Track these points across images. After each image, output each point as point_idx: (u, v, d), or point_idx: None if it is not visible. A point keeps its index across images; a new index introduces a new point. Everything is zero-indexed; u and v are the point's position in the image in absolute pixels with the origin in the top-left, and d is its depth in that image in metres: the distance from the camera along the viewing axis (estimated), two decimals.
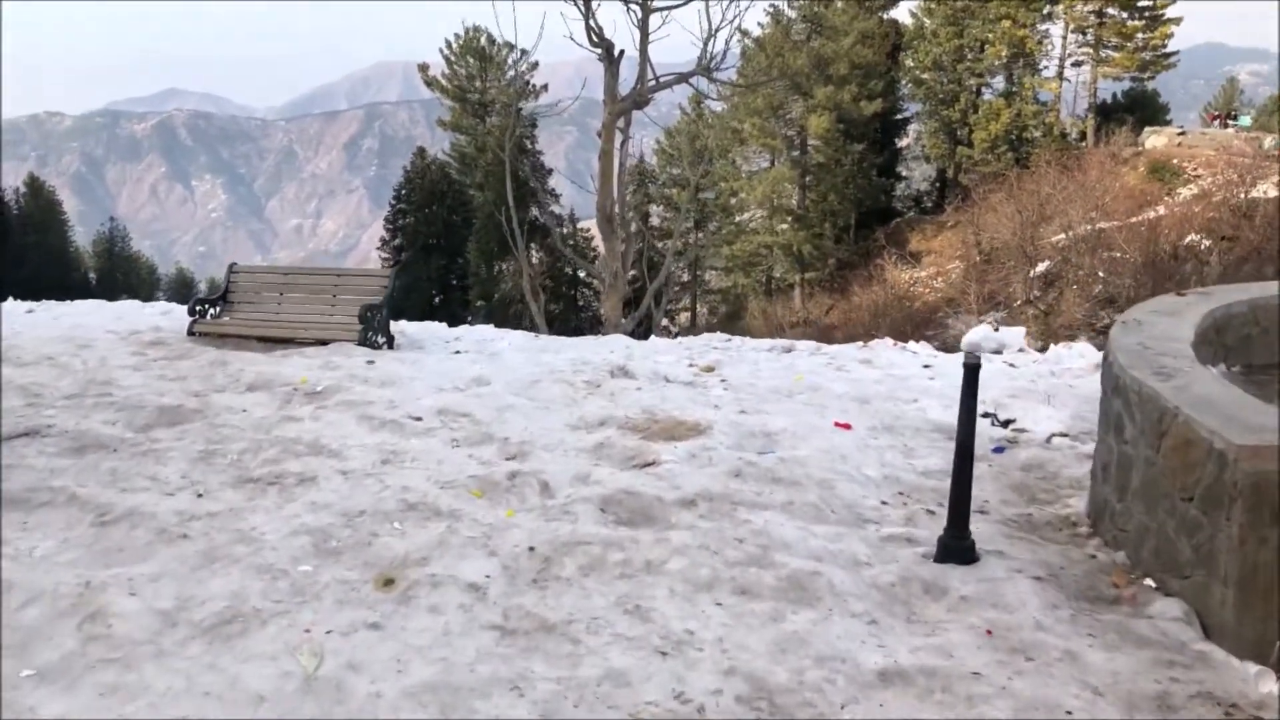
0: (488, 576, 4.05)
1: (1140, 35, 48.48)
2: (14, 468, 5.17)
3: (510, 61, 49.79)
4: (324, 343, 9.43)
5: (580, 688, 3.30)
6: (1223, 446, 3.83)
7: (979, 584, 4.20)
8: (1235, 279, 30.48)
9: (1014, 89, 50.45)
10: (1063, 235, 37.38)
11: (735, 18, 25.79)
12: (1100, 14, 47.90)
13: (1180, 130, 50.77)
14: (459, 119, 50.57)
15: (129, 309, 11.94)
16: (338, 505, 4.79)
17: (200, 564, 4.12)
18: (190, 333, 9.96)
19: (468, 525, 4.57)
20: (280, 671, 3.31)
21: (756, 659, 3.51)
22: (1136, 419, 4.70)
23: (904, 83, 53.08)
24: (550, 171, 51.18)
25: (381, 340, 9.82)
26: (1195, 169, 43.40)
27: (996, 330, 9.95)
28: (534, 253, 43.92)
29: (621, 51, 18.11)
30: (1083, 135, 49.66)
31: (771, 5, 47.96)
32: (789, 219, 50.44)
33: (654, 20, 18.28)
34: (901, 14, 52.44)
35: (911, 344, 10.16)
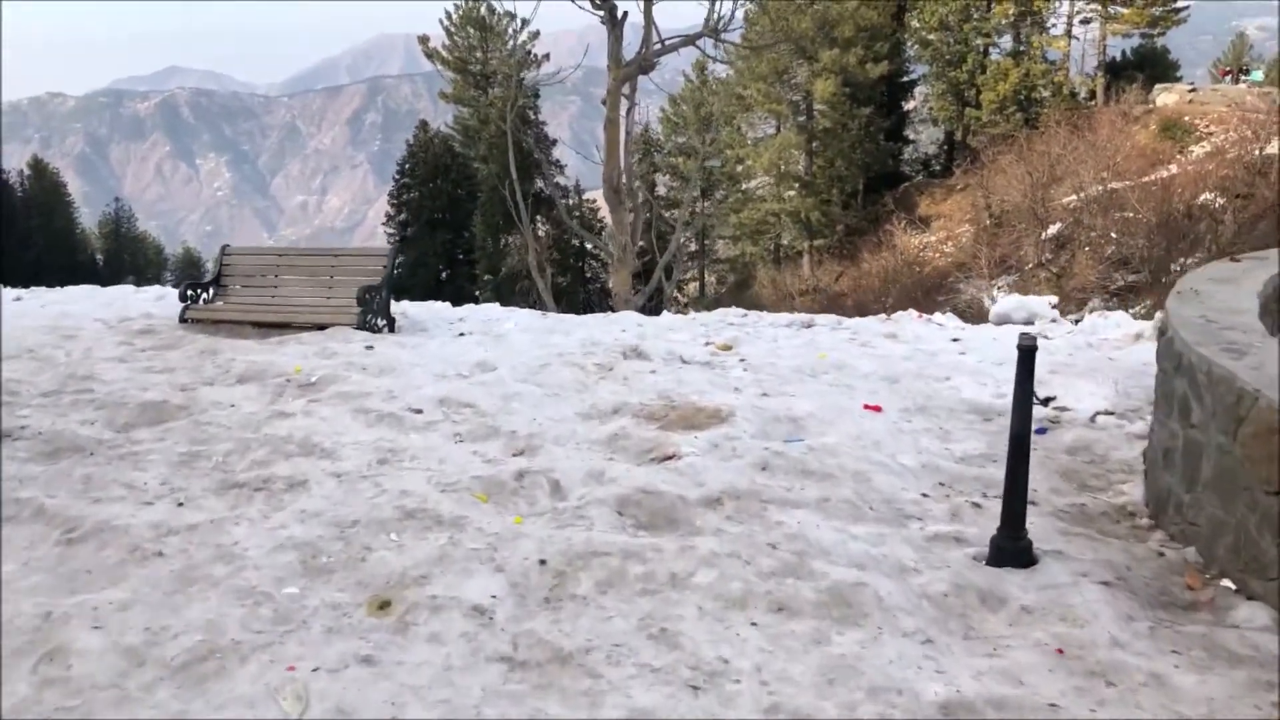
0: (494, 597, 3.63)
1: None
2: None
3: (511, 31, 49.04)
4: (321, 327, 9.00)
5: None
6: None
7: (1041, 592, 3.77)
8: (1250, 237, 29.94)
9: (1021, 48, 49.54)
10: (1074, 196, 36.74)
11: None
12: None
13: (1191, 87, 49.86)
14: (460, 91, 49.83)
15: (121, 295, 11.51)
16: (329, 514, 4.37)
17: (175, 587, 3.71)
18: (182, 319, 9.53)
19: (471, 535, 4.14)
20: None
21: (801, 692, 3.08)
22: (1206, 402, 4.25)
23: (910, 44, 52.18)
24: (554, 142, 50.48)
25: (381, 323, 9.39)
26: (1207, 126, 42.59)
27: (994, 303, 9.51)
28: (540, 225, 43.41)
29: (625, 14, 17.49)
30: (1092, 94, 48.80)
31: None
32: (796, 185, 49.76)
33: None
34: None
35: (937, 315, 9.69)
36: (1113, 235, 33.69)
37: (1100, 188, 35.37)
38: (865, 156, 49.26)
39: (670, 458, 5.15)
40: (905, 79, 53.49)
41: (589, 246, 42.95)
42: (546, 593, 3.72)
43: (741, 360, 7.65)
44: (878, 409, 6.30)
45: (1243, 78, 52.37)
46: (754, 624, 3.51)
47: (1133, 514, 4.85)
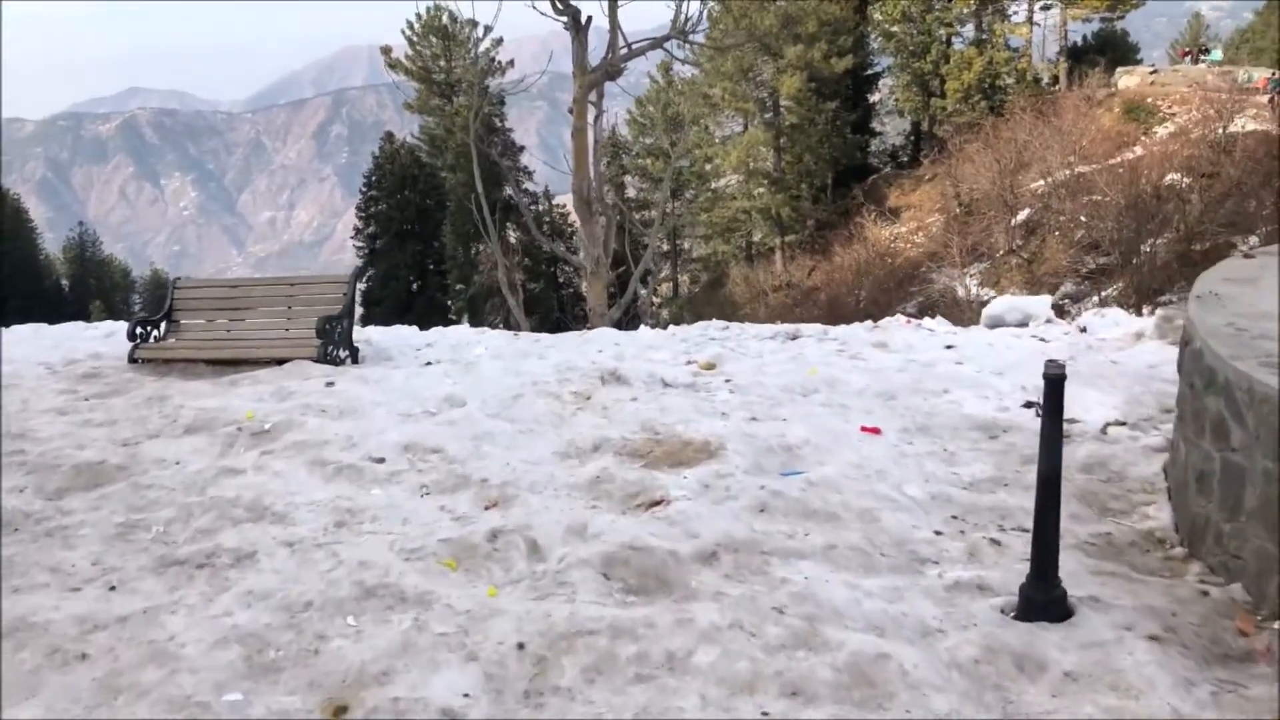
0: (467, 696, 3.16)
1: None
2: None
3: (473, 39, 48.47)
4: (280, 362, 8.49)
5: None
6: None
7: (1084, 652, 3.35)
8: (1217, 216, 29.89)
9: (984, 36, 49.57)
10: (1042, 182, 36.68)
11: None
12: None
13: (1152, 69, 50.08)
14: (425, 101, 49.23)
15: (69, 333, 10.91)
16: (279, 594, 3.88)
17: (97, 700, 3.22)
18: (132, 359, 8.98)
19: (440, 615, 3.67)
20: None
21: None
22: (1249, 423, 3.84)
23: (873, 37, 52.14)
24: (522, 149, 50.01)
25: (344, 354, 8.88)
26: (1170, 107, 42.72)
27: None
28: (511, 232, 42.82)
29: (589, 18, 17.00)
30: (1055, 79, 48.90)
31: None
32: (765, 182, 49.57)
33: None
34: None
35: (927, 320, 9.27)
36: (1082, 219, 33.63)
37: (1067, 172, 35.32)
38: (833, 150, 49.13)
39: (658, 503, 4.70)
40: (870, 72, 53.46)
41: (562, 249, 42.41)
42: (526, 684, 3.25)
43: (727, 381, 7.21)
44: (876, 431, 5.88)
45: (1202, 58, 52.60)
46: (765, 713, 3.06)
47: (1163, 541, 4.45)
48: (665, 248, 52.52)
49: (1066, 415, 6.15)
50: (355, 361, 8.92)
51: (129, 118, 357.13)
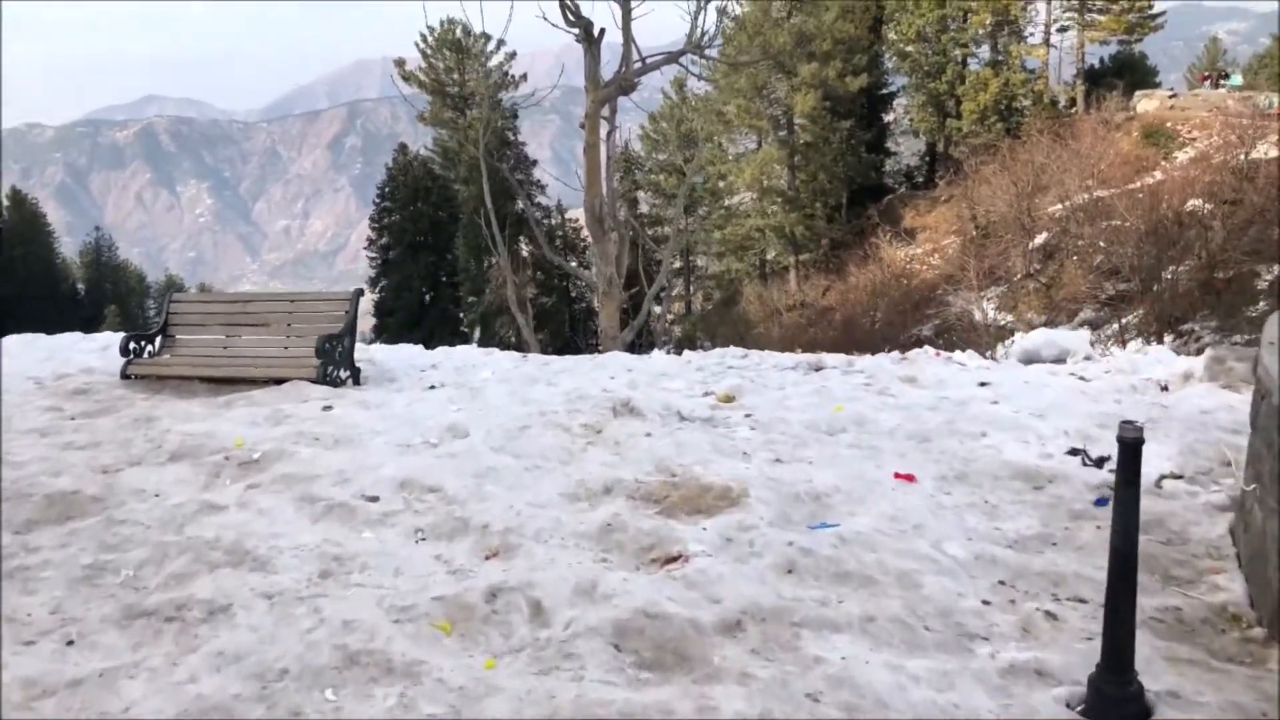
0: None
1: None
2: None
3: (487, 52, 48.34)
4: (278, 381, 8.11)
5: None
6: None
7: None
8: (1240, 244, 29.38)
9: (1000, 58, 49.25)
10: (1060, 205, 36.21)
11: None
12: None
13: (1172, 93, 49.64)
14: (438, 113, 49.04)
15: (63, 344, 10.56)
16: (253, 657, 3.47)
17: None
18: (124, 375, 8.63)
19: (430, 691, 3.25)
20: None
21: None
22: None
23: (888, 56, 51.90)
24: (535, 163, 49.79)
25: (344, 375, 8.50)
26: (1190, 131, 42.26)
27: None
28: (523, 247, 42.54)
29: (602, 31, 16.63)
30: (1072, 102, 48.50)
31: None
32: (779, 200, 49.23)
33: None
34: None
35: (958, 354, 8.82)
36: (1101, 244, 33.11)
37: (1086, 196, 34.86)
38: (847, 169, 48.82)
39: (675, 559, 4.28)
40: (884, 91, 53.20)
41: (574, 263, 42.07)
42: None
43: (747, 415, 6.78)
44: (910, 478, 5.44)
45: (1222, 82, 52.12)
46: None
47: (1238, 619, 4.00)
48: (678, 264, 52.16)
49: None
50: (356, 382, 8.54)
51: (146, 125, 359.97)
